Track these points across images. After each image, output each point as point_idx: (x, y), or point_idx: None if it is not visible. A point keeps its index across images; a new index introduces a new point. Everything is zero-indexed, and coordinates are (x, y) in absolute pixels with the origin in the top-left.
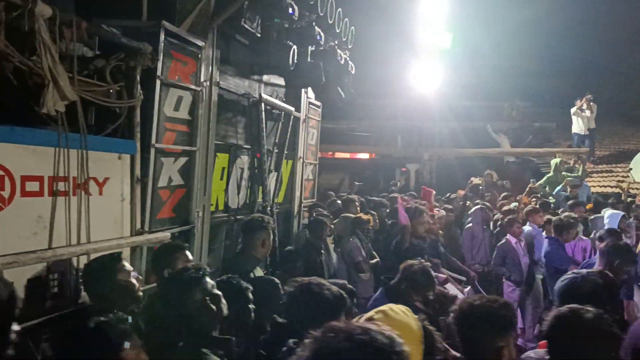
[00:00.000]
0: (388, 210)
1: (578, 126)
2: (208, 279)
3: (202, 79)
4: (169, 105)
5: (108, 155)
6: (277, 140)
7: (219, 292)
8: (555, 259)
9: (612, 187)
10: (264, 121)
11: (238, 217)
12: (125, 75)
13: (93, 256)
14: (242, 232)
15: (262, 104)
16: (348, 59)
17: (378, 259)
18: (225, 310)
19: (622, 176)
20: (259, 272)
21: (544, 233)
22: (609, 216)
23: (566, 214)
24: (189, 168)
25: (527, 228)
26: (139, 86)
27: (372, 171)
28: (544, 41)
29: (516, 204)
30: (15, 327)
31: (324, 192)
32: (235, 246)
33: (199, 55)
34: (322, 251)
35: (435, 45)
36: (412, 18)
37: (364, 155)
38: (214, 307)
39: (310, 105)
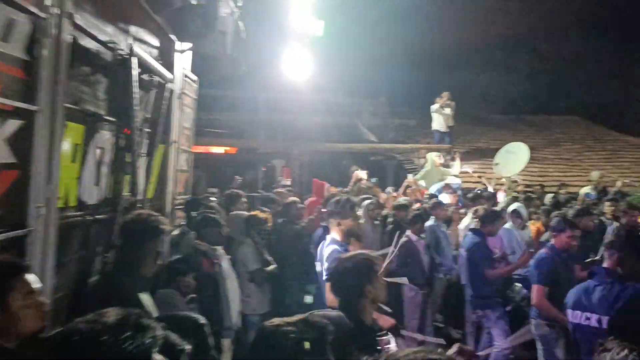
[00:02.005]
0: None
1: (439, 123)
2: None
3: (48, 2)
4: None
5: None
6: (148, 116)
7: None
8: (477, 255)
9: (472, 182)
10: (136, 85)
11: (97, 217)
12: None
13: None
14: (124, 239)
15: (134, 62)
16: (239, 16)
17: (275, 266)
18: None
19: (481, 172)
20: (146, 298)
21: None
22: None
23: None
24: (24, 138)
25: (429, 223)
26: None
27: (233, 168)
28: (404, 37)
29: (407, 198)
30: None
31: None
32: (92, 259)
33: None
34: (216, 260)
35: (306, 34)
36: (279, 1)
37: (220, 150)
38: None
39: (186, 78)
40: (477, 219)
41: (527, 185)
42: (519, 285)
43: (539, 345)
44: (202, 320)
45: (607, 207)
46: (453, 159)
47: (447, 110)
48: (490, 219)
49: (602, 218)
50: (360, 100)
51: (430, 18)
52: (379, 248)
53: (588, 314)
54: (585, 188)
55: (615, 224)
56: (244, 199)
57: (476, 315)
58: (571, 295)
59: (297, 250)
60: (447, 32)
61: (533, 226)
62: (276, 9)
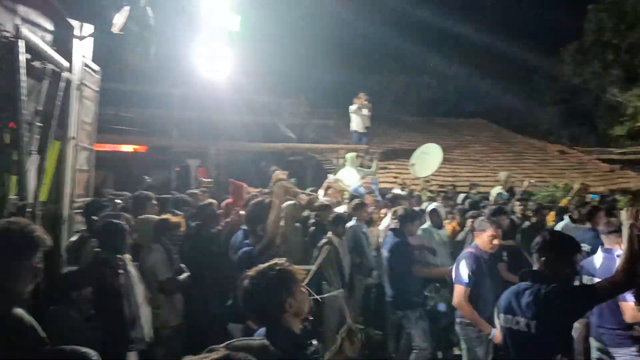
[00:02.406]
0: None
1: (357, 124)
2: None
3: None
4: None
5: None
6: (40, 109)
7: None
8: (398, 255)
9: (389, 182)
10: (24, 73)
11: None
12: None
13: None
14: None
15: (22, 46)
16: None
17: (188, 274)
18: None
19: (397, 173)
20: (25, 316)
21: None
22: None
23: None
24: None
25: (350, 223)
26: None
27: (143, 167)
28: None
29: (329, 199)
30: None
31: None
32: None
33: None
34: (121, 270)
35: (223, 28)
36: None
37: (128, 148)
38: None
39: (86, 68)
40: (396, 219)
41: (440, 185)
42: (437, 285)
43: (462, 345)
44: (94, 356)
45: (517, 206)
46: (372, 160)
47: (365, 111)
48: (409, 219)
49: (513, 217)
50: (279, 100)
51: (348, 20)
52: (301, 251)
53: (518, 318)
54: (496, 188)
55: (526, 223)
56: (154, 202)
57: (396, 315)
58: (503, 299)
59: (213, 256)
60: (363, 34)
61: (449, 226)
62: (185, 3)
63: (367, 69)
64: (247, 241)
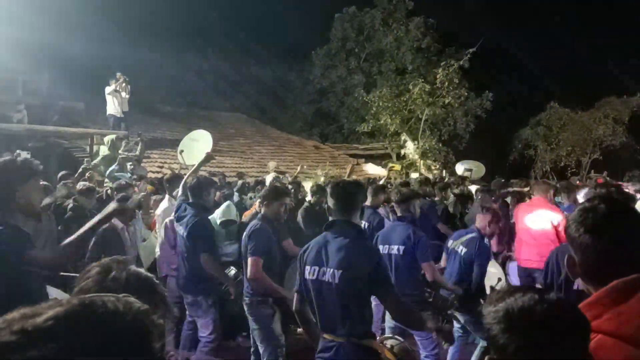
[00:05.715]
0: None
1: (114, 107)
2: None
3: None
4: None
5: None
6: None
7: None
8: (199, 234)
9: (154, 172)
10: None
11: None
12: None
13: None
14: None
15: None
16: None
17: None
18: None
19: (162, 162)
20: None
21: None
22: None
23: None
24: None
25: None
26: None
27: None
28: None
29: (86, 183)
30: None
31: None
32: None
33: None
34: None
35: None
36: None
37: None
38: None
39: None
40: (186, 193)
41: (211, 174)
42: (234, 269)
43: (253, 325)
44: None
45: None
46: (137, 143)
47: (123, 94)
48: (204, 187)
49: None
50: (14, 75)
51: None
52: (55, 239)
53: (325, 269)
54: (270, 174)
55: (306, 203)
56: None
57: (186, 301)
58: (309, 251)
59: None
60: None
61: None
62: None
63: (123, 48)
64: None
